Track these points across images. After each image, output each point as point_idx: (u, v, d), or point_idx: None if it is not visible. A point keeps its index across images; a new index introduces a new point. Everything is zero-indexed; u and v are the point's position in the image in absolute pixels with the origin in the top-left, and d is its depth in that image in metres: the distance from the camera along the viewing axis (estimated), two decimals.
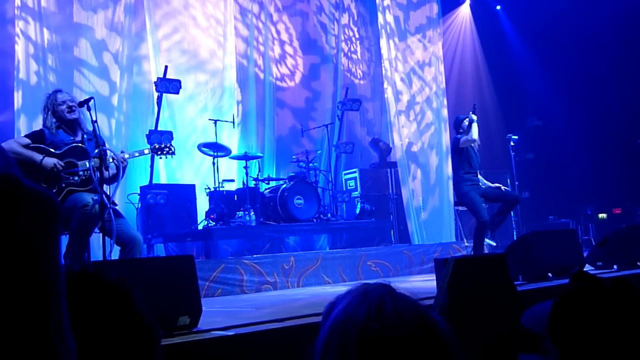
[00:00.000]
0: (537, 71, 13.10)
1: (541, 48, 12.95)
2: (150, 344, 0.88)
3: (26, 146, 4.76)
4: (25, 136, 4.97)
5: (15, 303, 0.58)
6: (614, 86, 11.88)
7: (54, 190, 4.69)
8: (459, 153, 7.28)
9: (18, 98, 6.92)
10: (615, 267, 5.98)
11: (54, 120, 4.92)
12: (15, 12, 7.06)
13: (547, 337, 1.17)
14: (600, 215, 11.81)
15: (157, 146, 5.37)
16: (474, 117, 7.22)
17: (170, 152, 5.35)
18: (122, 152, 5.11)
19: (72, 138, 4.95)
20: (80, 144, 4.92)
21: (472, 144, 7.25)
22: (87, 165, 4.75)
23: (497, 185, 7.37)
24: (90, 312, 0.84)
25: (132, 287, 0.90)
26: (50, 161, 4.72)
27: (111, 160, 4.86)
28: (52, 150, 4.83)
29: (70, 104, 4.99)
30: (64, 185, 4.76)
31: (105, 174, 4.83)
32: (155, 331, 0.90)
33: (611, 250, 6.10)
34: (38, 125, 6.82)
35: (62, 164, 4.76)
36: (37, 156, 4.72)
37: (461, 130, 7.30)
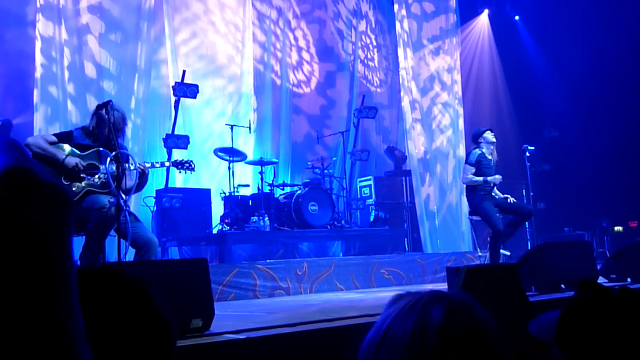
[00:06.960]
0: (555, 82, 13.04)
1: (559, 59, 12.89)
2: (167, 338, 0.93)
3: (52, 143, 4.91)
4: (54, 134, 5.12)
5: (26, 287, 0.63)
6: (632, 98, 11.78)
7: (74, 189, 4.80)
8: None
9: (35, 98, 7.05)
10: (629, 279, 5.94)
11: (104, 131, 4.95)
12: (36, 14, 7.18)
13: (555, 345, 1.18)
14: (616, 228, 11.70)
15: (178, 160, 5.44)
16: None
17: (191, 168, 5.42)
18: (144, 162, 5.19)
19: (97, 143, 5.04)
20: (103, 149, 5.01)
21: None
22: (108, 169, 4.83)
23: (505, 196, 7.31)
24: (112, 306, 0.90)
25: (150, 284, 0.95)
26: (72, 160, 4.85)
27: (132, 167, 4.94)
28: (76, 151, 4.95)
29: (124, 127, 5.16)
30: (84, 184, 4.86)
31: (129, 183, 4.93)
32: (171, 326, 0.94)
33: (625, 263, 6.06)
34: (54, 124, 6.96)
35: (84, 165, 4.89)
36: (61, 154, 4.87)
37: (479, 141, 7.24)
